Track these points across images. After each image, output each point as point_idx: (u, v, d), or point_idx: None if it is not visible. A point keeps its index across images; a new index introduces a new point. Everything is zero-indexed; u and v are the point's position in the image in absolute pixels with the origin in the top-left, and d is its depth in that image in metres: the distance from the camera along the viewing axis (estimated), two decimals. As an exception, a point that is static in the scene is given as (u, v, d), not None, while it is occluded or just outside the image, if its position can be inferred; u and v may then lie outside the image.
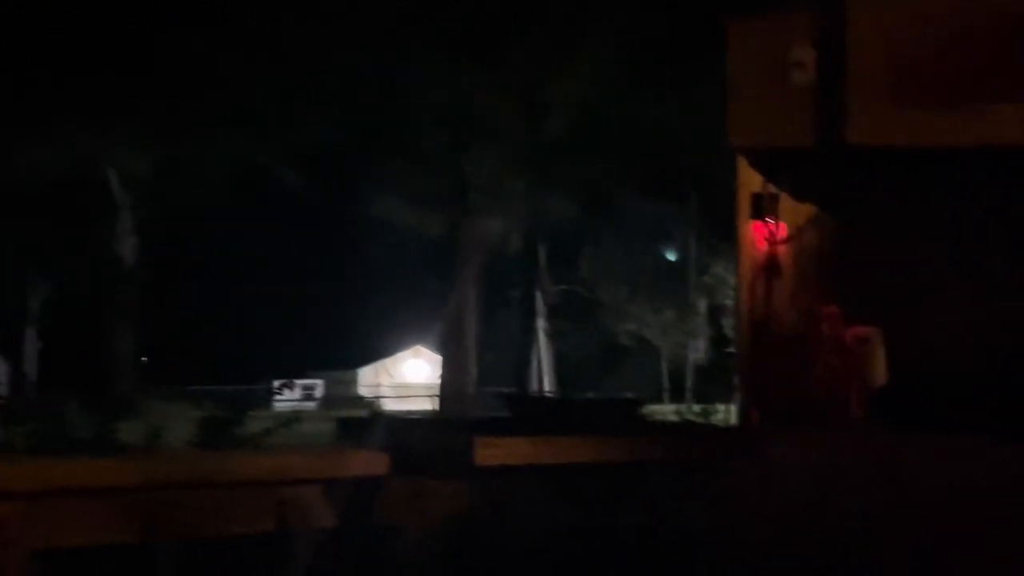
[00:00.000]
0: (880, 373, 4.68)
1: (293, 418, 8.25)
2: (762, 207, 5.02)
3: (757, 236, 5.07)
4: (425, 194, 26.98)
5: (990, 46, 4.64)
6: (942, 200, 4.85)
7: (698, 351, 35.00)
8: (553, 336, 34.89)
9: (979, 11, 4.58)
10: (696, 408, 23.75)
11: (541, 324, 33.71)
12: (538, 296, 33.50)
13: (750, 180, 5.12)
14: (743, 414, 5.02)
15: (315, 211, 32.81)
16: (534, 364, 32.45)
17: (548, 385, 33.93)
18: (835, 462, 4.31)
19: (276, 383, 23.35)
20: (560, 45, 24.64)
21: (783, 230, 5.05)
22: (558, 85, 25.44)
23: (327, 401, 35.19)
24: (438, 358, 27.89)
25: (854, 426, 4.59)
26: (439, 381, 26.41)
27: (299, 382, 35.09)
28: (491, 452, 3.57)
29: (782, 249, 5.05)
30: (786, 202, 5.11)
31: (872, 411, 4.67)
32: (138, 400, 17.14)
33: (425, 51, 23.62)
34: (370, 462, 3.60)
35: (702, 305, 35.01)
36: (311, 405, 32.53)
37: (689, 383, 34.04)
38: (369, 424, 4.38)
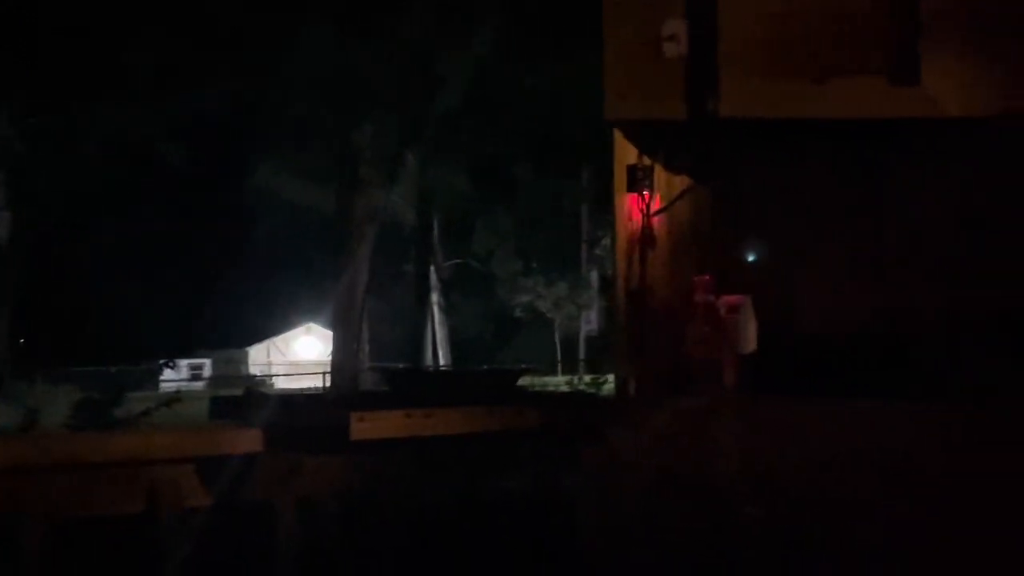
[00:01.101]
0: (751, 340, 4.80)
1: (174, 398, 8.06)
2: (637, 179, 5.09)
3: (632, 208, 5.15)
4: (314, 168, 26.60)
5: (854, 20, 4.79)
6: (809, 171, 5.00)
7: (590, 323, 35.52)
8: (447, 310, 34.90)
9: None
10: (587, 379, 24.13)
11: (435, 298, 33.68)
12: (432, 270, 33.41)
13: (626, 152, 5.18)
14: (621, 383, 5.10)
15: (201, 186, 32.03)
16: (428, 338, 32.39)
17: (443, 359, 33.96)
18: (709, 426, 4.43)
19: (159, 362, 22.82)
20: (450, 16, 24.49)
21: (658, 202, 5.14)
22: (449, 57, 25.31)
23: (216, 381, 34.52)
24: (330, 335, 27.60)
25: (726, 392, 4.70)
26: (330, 358, 26.16)
27: (185, 362, 34.30)
28: (367, 426, 3.56)
29: (657, 220, 5.14)
30: (661, 174, 5.19)
31: (744, 378, 4.80)
32: (14, 383, 16.51)
33: (312, 21, 23.18)
34: (244, 439, 3.56)
35: (594, 277, 35.49)
36: (199, 385, 31.87)
37: (582, 354, 34.51)
38: (243, 402, 4.33)
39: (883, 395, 4.37)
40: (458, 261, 36.30)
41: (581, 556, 4.32)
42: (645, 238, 5.14)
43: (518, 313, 36.79)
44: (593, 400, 6.37)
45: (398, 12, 23.58)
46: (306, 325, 41.08)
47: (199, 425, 4.36)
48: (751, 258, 5.02)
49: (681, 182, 5.20)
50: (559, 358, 35.80)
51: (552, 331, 37.08)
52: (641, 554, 4.35)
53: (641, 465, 4.40)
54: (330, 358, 26.05)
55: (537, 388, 13.10)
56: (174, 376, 29.75)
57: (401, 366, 25.54)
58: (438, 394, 3.98)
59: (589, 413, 4.61)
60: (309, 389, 24.65)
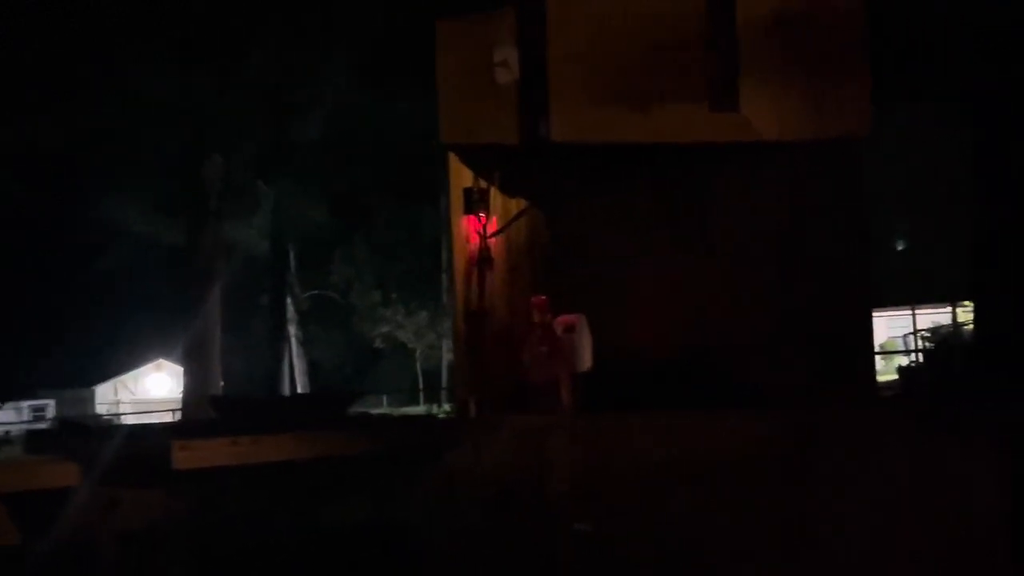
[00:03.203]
0: (586, 359, 4.90)
1: (3, 440, 7.66)
2: (473, 201, 5.15)
3: (470, 230, 5.20)
4: (163, 199, 25.84)
5: (676, 49, 4.99)
6: (638, 193, 5.16)
7: (451, 351, 35.48)
8: (305, 342, 34.31)
9: (659, 18, 4.91)
10: (447, 407, 24.07)
11: (293, 331, 33.06)
12: (289, 302, 32.82)
13: (462, 176, 5.24)
14: (460, 404, 5.12)
15: (43, 219, 30.66)
16: (286, 372, 31.76)
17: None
18: (545, 445, 4.48)
19: (-6, 404, 21.65)
20: (303, 46, 24.27)
21: (495, 224, 5.21)
22: (303, 87, 25.05)
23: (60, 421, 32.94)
24: (182, 371, 26.73)
25: (563, 410, 4.78)
26: (181, 395, 25.32)
27: (27, 403, 32.64)
28: (190, 455, 3.45)
29: (494, 242, 5.20)
30: (497, 196, 5.27)
31: (580, 395, 4.89)
32: None
33: (161, 49, 22.58)
34: (58, 473, 3.40)
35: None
36: (42, 426, 30.36)
37: (444, 383, 34.43)
38: (60, 434, 4.14)
39: (707, 407, 4.53)
40: (316, 292, 35.81)
41: (421, 580, 4.30)
42: (483, 260, 5.20)
43: (378, 344, 36.51)
44: (432, 423, 6.37)
45: (249, 42, 23.23)
46: (156, 362, 39.72)
47: (8, 460, 4.14)
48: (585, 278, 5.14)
49: (517, 204, 5.28)
50: (420, 387, 35.65)
51: (413, 360, 36.91)
52: (480, 574, 4.35)
53: (479, 486, 4.41)
54: (181, 395, 25.24)
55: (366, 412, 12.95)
56: (14, 418, 28.21)
57: (228, 393, 24.77)
58: (268, 420, 3.90)
59: (428, 436, 4.60)
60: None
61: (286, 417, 4.02)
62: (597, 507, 4.22)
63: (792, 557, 4.07)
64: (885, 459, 4.01)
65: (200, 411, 22.99)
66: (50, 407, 35.04)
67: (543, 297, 4.95)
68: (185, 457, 3.43)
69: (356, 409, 5.22)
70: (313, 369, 34.71)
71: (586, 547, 4.16)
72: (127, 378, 40.75)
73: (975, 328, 8.81)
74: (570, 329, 4.88)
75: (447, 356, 35.72)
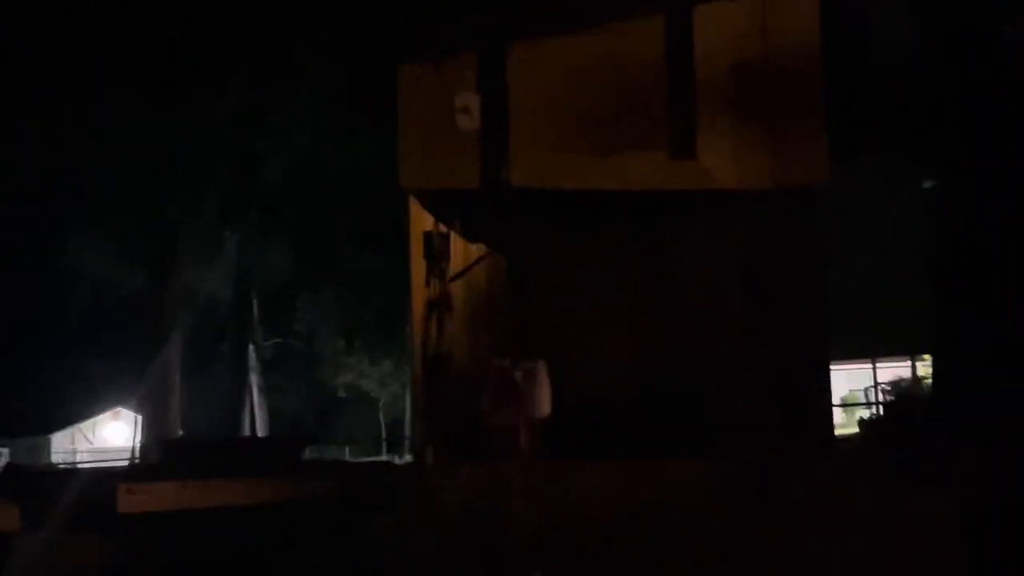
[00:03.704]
0: (545, 404, 4.87)
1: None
2: (433, 246, 5.14)
3: (429, 275, 5.18)
4: (126, 245, 25.61)
5: (637, 97, 5.05)
6: (594, 241, 5.17)
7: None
8: (267, 390, 33.90)
9: (620, 66, 4.97)
10: (409, 457, 23.84)
11: (254, 379, 32.66)
12: (251, 350, 32.47)
13: (422, 220, 5.23)
14: (419, 450, 5.06)
15: (2, 263, 30.25)
16: (247, 420, 31.33)
17: (263, 442, 32.82)
18: (502, 493, 4.43)
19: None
20: (270, 94, 24.31)
21: (454, 268, 5.20)
22: (269, 135, 25.05)
23: (14, 470, 32.14)
24: (141, 419, 26.28)
25: (522, 456, 4.73)
26: (139, 443, 24.86)
27: (-21, 452, 32.00)
28: (136, 499, 3.38)
29: (454, 287, 5.18)
30: (458, 242, 5.26)
31: (539, 442, 4.85)
32: None
33: (129, 97, 22.49)
34: (-2, 518, 3.30)
35: (418, 355, 35.17)
36: (-7, 475, 29.58)
37: (408, 432, 34.12)
38: (3, 480, 4.03)
39: (668, 452, 4.50)
40: (279, 340, 35.47)
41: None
42: (442, 305, 5.17)
43: (341, 393, 36.14)
44: (388, 469, 6.29)
45: (216, 89, 23.23)
46: (115, 410, 39.09)
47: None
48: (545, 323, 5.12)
49: (478, 250, 5.28)
50: (383, 437, 35.27)
51: (376, 409, 36.56)
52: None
53: (435, 532, 4.34)
54: (139, 443, 24.78)
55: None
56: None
57: (177, 437, 24.32)
58: (219, 464, 3.82)
59: (383, 482, 4.53)
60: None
61: (237, 461, 3.94)
62: (553, 555, 4.16)
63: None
64: (839, 507, 4.01)
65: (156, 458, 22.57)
66: (4, 455, 34.31)
67: (503, 343, 4.93)
68: (131, 501, 3.35)
69: (314, 456, 5.14)
70: (275, 418, 34.27)
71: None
72: (85, 426, 40.03)
73: (934, 382, 8.88)
74: (529, 375, 4.85)
75: (411, 406, 35.45)
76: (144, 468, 4.26)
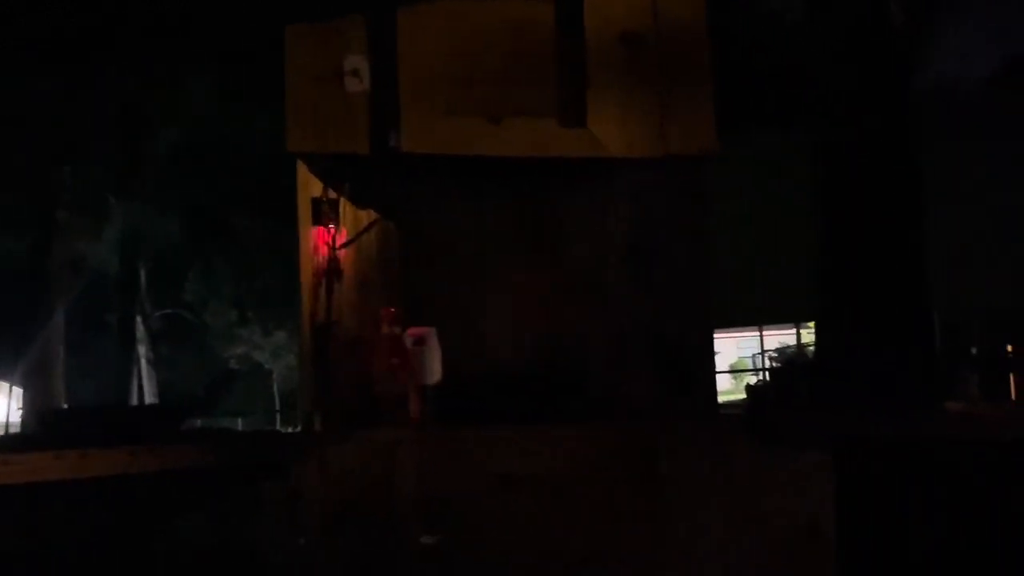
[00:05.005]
0: (436, 372, 4.87)
1: None
2: (322, 212, 5.07)
3: (318, 241, 5.11)
4: (6, 212, 24.60)
5: (527, 62, 5.06)
6: (490, 206, 5.19)
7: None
8: (156, 363, 33.08)
9: (510, 31, 4.97)
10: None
11: (143, 351, 31.83)
12: (139, 321, 31.61)
13: (310, 185, 5.15)
14: (306, 418, 5.01)
15: None
16: (135, 393, 30.55)
17: (152, 415, 32.02)
18: (391, 460, 4.42)
19: None
20: (157, 57, 23.54)
21: (344, 235, 5.13)
22: (157, 100, 24.31)
23: None
24: (21, 392, 25.40)
25: (411, 424, 4.73)
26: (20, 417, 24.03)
27: None
28: (9, 470, 3.26)
29: (343, 254, 5.13)
30: (348, 207, 5.20)
31: (429, 408, 4.85)
32: None
33: (11, 59, 21.50)
34: None
35: (314, 325, 34.73)
36: None
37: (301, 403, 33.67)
38: None
39: (558, 419, 4.57)
40: (168, 311, 34.61)
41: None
42: (331, 271, 5.11)
43: (233, 364, 35.51)
44: (275, 437, 6.21)
45: (101, 53, 22.40)
46: (-6, 382, 37.70)
47: None
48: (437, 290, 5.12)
49: (368, 216, 5.22)
50: (278, 408, 34.85)
51: (270, 381, 36.05)
52: (323, 591, 4.25)
53: (325, 501, 4.32)
54: (20, 417, 23.94)
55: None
56: None
57: (56, 407, 23.61)
58: (95, 435, 3.71)
59: (270, 450, 4.48)
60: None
61: (115, 431, 3.84)
62: (443, 521, 4.19)
63: (632, 569, 4.13)
64: (717, 471, 4.13)
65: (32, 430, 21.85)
66: None
67: (392, 309, 4.91)
68: (4, 472, 3.23)
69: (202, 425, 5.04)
70: (164, 390, 33.49)
71: (432, 561, 4.12)
72: (-39, 400, 38.50)
73: (816, 348, 9.19)
74: (420, 342, 4.85)
75: (301, 375, 34.91)
76: (19, 439, 4.11)
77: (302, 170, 5.13)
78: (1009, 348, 9.46)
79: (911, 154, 8.03)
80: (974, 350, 12.36)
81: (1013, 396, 8.27)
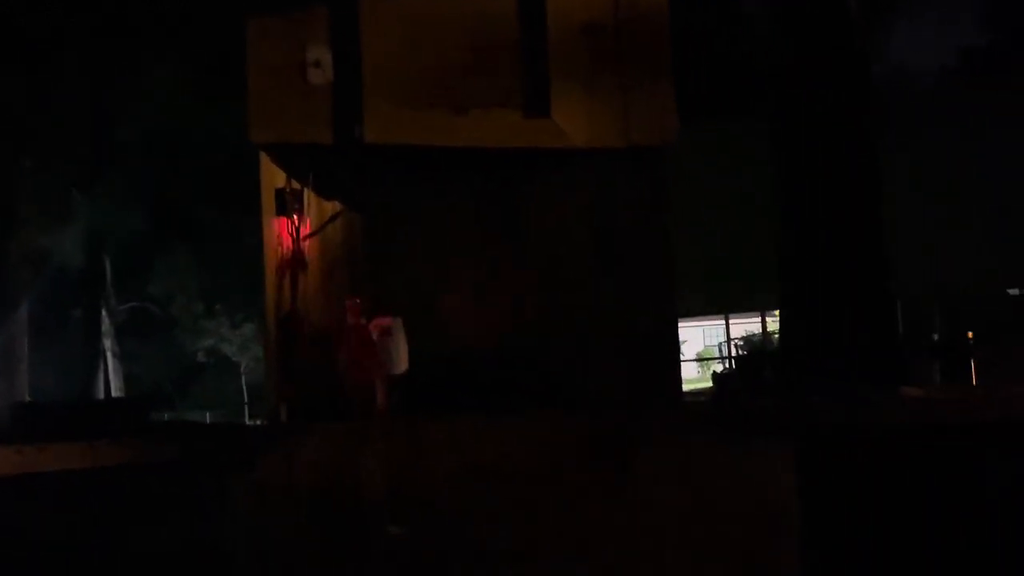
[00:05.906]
0: (402, 361, 4.88)
1: None
2: (286, 202, 5.05)
3: (282, 232, 5.10)
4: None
5: (491, 54, 5.06)
6: (454, 196, 5.19)
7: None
8: (123, 357, 32.71)
9: (474, 23, 4.97)
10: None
11: (108, 345, 31.45)
12: (104, 315, 31.23)
13: (274, 176, 5.13)
14: (272, 409, 5.00)
15: None
16: (100, 388, 30.21)
17: (119, 409, 31.67)
18: (356, 450, 4.43)
19: None
20: (122, 51, 23.26)
21: (308, 225, 5.12)
22: (122, 92, 24.02)
23: None
24: (-16, 387, 25.01)
25: (379, 413, 4.74)
26: (-16, 412, 23.64)
27: None
28: (-32, 465, 3.23)
29: (308, 244, 5.12)
30: (312, 198, 5.18)
31: (396, 397, 4.86)
32: None
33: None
34: None
35: (281, 318, 34.49)
36: None
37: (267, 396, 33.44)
38: None
39: (523, 404, 4.59)
40: (135, 304, 34.24)
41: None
42: (296, 262, 5.10)
43: (201, 357, 35.18)
44: (243, 429, 6.19)
45: (63, 45, 22.11)
46: (-43, 379, 37.17)
47: None
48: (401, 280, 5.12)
49: (333, 206, 5.22)
50: (246, 401, 34.61)
51: (238, 374, 35.78)
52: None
53: (293, 492, 4.31)
54: (-16, 413, 23.60)
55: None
56: None
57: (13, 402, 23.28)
58: (56, 429, 3.69)
59: (236, 443, 4.47)
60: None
61: (77, 425, 3.82)
62: (410, 511, 4.20)
63: (599, 556, 4.16)
64: (683, 457, 4.17)
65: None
66: None
67: (357, 299, 4.90)
68: (-38, 467, 3.20)
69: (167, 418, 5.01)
70: (131, 384, 33.17)
71: (399, 550, 4.13)
72: (-77, 397, 37.93)
73: (781, 337, 9.26)
74: (385, 332, 4.85)
75: (266, 365, 34.61)
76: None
77: (266, 161, 5.12)
78: (969, 334, 9.60)
79: (870, 143, 8.10)
80: (936, 336, 12.52)
81: (974, 381, 8.40)
